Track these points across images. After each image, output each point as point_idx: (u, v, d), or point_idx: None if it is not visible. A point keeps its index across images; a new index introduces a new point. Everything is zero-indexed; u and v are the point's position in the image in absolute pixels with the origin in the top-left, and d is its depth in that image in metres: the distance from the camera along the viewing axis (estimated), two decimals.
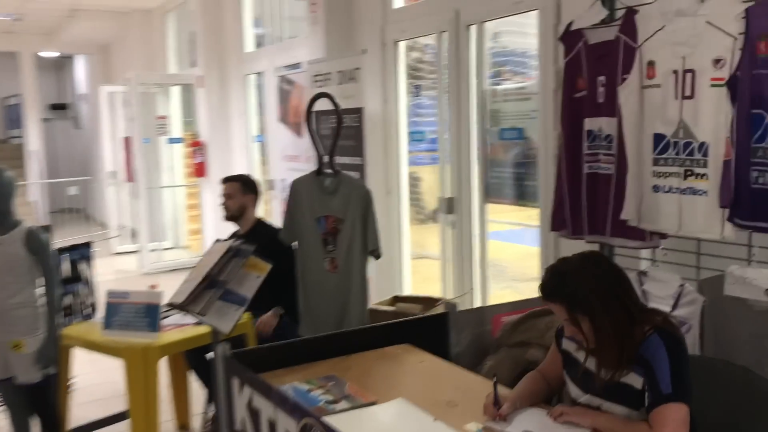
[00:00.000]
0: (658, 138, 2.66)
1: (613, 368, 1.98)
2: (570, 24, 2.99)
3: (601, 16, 2.87)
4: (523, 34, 4.10)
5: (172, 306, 2.78)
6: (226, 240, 2.89)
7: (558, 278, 2.02)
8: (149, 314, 3.23)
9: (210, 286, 2.73)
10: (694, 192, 2.58)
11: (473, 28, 4.36)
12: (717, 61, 2.47)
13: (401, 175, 5.15)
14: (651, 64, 2.67)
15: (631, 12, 2.74)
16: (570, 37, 3.00)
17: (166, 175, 9.49)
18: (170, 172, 9.53)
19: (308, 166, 5.43)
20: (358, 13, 5.35)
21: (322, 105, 4.97)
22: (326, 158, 3.27)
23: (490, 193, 4.36)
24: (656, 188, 2.69)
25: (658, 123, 2.66)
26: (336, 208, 3.13)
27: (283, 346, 2.74)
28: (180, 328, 3.38)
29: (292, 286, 3.44)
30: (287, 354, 2.68)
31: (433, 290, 5.32)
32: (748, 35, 2.38)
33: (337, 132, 3.19)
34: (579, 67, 2.96)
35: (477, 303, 4.41)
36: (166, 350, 3.25)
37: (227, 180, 4.09)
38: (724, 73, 2.45)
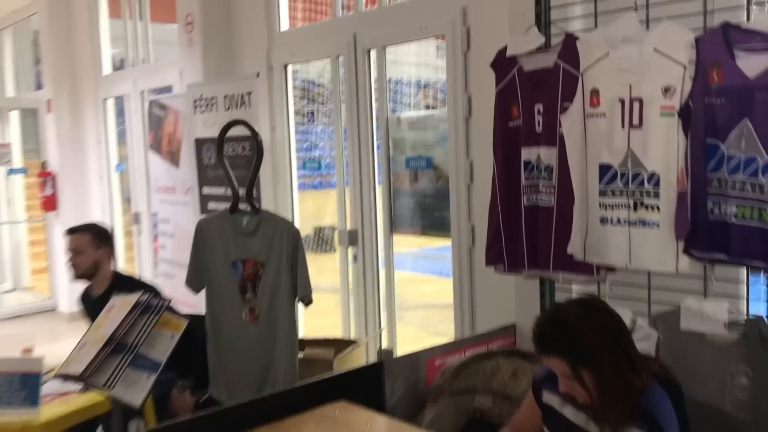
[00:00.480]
0: (605, 168, 2.56)
1: (617, 424, 1.80)
2: (502, 50, 2.85)
3: (537, 42, 2.74)
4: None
5: (66, 378, 2.29)
6: (129, 294, 2.45)
7: (559, 329, 1.81)
8: (27, 386, 2.68)
9: (115, 351, 2.28)
10: (645, 224, 2.49)
11: (373, 53, 4.15)
12: (666, 90, 2.40)
13: (293, 206, 4.82)
14: (595, 92, 2.57)
15: (571, 38, 2.64)
16: (502, 64, 2.85)
17: (4, 210, 8.48)
18: (9, 206, 8.53)
19: (188, 199, 4.97)
20: (240, 34, 5.00)
21: (210, 132, 4.57)
22: (242, 193, 2.89)
23: (396, 224, 4.14)
24: (604, 221, 2.58)
25: (604, 153, 2.56)
26: (256, 251, 2.76)
27: (206, 417, 2.33)
28: (62, 397, 2.85)
29: (188, 346, 2.96)
30: (212, 426, 2.28)
31: (327, 326, 5.02)
32: (700, 64, 2.33)
33: (257, 163, 2.84)
34: (513, 95, 2.82)
35: (386, 343, 4.16)
36: (50, 428, 2.71)
37: (73, 231, 3.43)
38: (675, 102, 2.39)
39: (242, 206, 2.90)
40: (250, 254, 2.76)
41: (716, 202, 2.33)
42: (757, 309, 2.46)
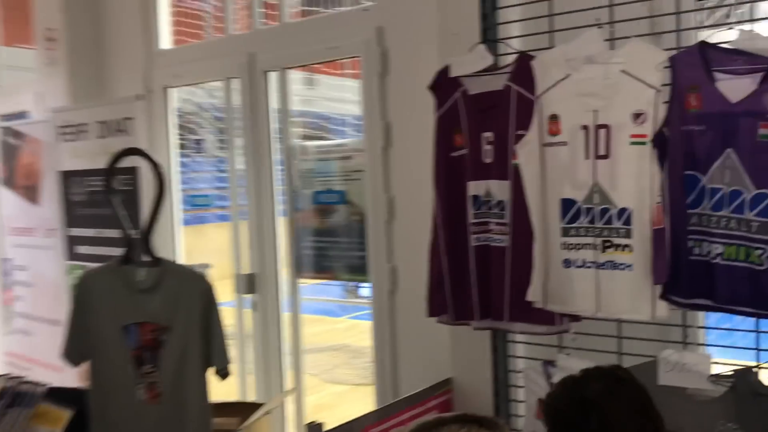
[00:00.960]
0: (567, 204, 2.27)
1: None
2: (443, 71, 2.51)
3: (484, 62, 2.43)
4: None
5: None
6: None
7: (586, 411, 1.46)
8: None
9: None
10: (615, 266, 2.21)
11: (273, 75, 3.71)
12: (637, 116, 2.15)
13: (174, 245, 4.24)
14: (554, 118, 2.28)
15: (525, 58, 2.34)
16: (443, 87, 2.51)
17: None
18: None
19: (50, 242, 4.27)
20: (113, 52, 4.39)
21: (79, 163, 3.92)
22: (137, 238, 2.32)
23: (303, 267, 3.69)
24: (567, 263, 2.28)
25: (566, 187, 2.27)
26: (156, 312, 2.20)
27: None
28: None
29: None
30: None
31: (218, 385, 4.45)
32: (676, 87, 2.10)
33: (158, 201, 2.29)
34: (456, 121, 2.48)
35: (293, 406, 3.67)
36: None
37: None
38: (646, 129, 2.14)
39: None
40: (148, 316, 2.21)
41: (698, 241, 2.09)
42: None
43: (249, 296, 3.83)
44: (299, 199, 3.66)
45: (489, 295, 2.44)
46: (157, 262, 2.26)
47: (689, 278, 2.08)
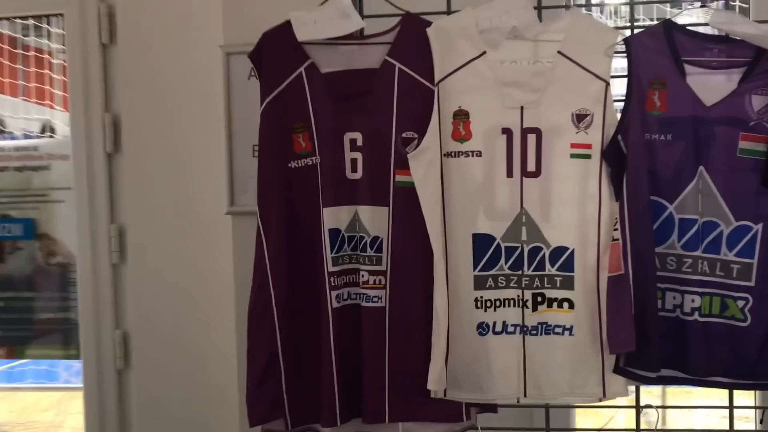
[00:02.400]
0: (482, 241, 1.55)
1: None
2: (279, 30, 1.58)
3: (349, 24, 1.57)
4: None
5: None
6: None
7: None
8: None
9: None
10: (549, 330, 1.55)
11: None
12: (580, 117, 1.53)
13: None
14: (462, 115, 1.54)
15: (415, 22, 1.56)
16: (277, 56, 1.58)
17: None
18: None
19: None
20: None
21: None
22: None
23: None
24: (483, 328, 1.56)
25: (480, 217, 1.55)
26: None
27: None
28: None
29: None
30: None
31: None
32: (634, 80, 1.53)
33: None
34: (297, 112, 1.58)
35: None
36: None
37: None
38: (593, 137, 1.53)
39: None
40: None
41: (670, 291, 1.55)
42: None
43: None
44: None
45: (358, 383, 1.58)
46: None
47: (658, 342, 1.52)
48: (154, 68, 2.16)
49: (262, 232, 1.59)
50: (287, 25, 1.58)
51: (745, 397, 1.91)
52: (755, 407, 1.83)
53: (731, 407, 1.64)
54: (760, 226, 1.51)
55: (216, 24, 1.94)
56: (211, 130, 2.07)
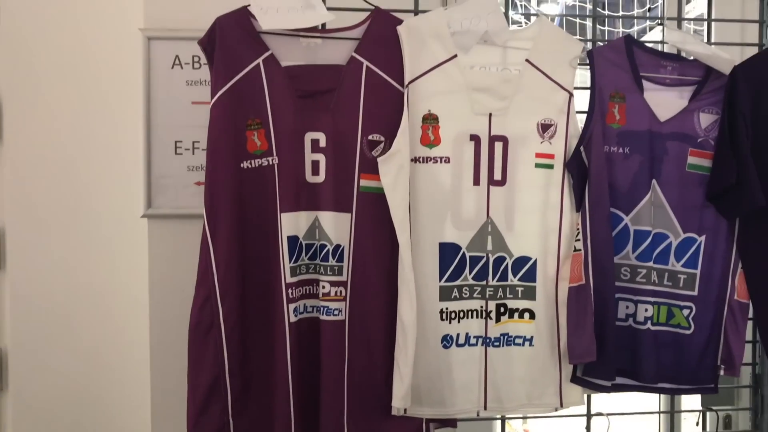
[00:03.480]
0: (449, 252, 1.49)
1: None
2: (235, 16, 1.42)
3: (313, 16, 1.44)
4: None
5: None
6: None
7: None
8: None
9: None
10: (510, 341, 1.53)
11: None
12: (545, 127, 1.52)
13: None
14: (431, 119, 1.48)
15: (383, 18, 1.47)
16: (231, 45, 1.42)
17: None
18: None
19: None
20: None
21: None
22: None
23: None
24: (447, 341, 1.50)
25: (447, 225, 1.49)
26: None
27: None
28: None
29: None
30: None
31: None
32: (596, 92, 1.54)
33: None
34: (253, 107, 1.43)
35: None
36: None
37: None
38: (555, 148, 1.53)
39: None
40: None
41: (628, 301, 1.58)
42: None
43: None
44: None
45: (315, 402, 1.46)
46: None
47: (613, 352, 1.54)
48: (47, 47, 1.89)
49: (209, 239, 1.42)
50: (244, 11, 1.43)
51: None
52: (698, 410, 1.91)
53: (672, 411, 1.70)
54: (703, 238, 1.58)
55: (132, 3, 1.72)
56: (120, 121, 1.85)
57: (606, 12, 2.96)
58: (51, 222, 1.92)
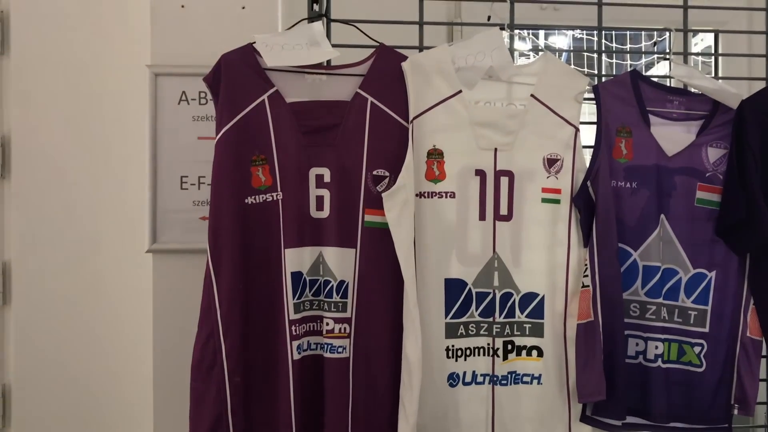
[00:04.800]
0: (454, 288, 1.48)
1: None
2: (241, 53, 1.43)
3: (318, 53, 1.44)
4: None
5: None
6: None
7: None
8: None
9: None
10: (517, 379, 1.51)
11: None
12: (551, 162, 1.51)
13: None
14: (436, 155, 1.47)
15: (387, 55, 1.47)
16: (238, 81, 1.43)
17: None
18: None
19: None
20: None
21: None
22: None
23: None
24: (453, 379, 1.48)
25: (452, 261, 1.47)
26: None
27: None
28: None
29: None
30: None
31: None
32: (603, 127, 1.53)
33: None
34: (258, 143, 1.43)
35: None
36: None
37: None
38: (562, 183, 1.52)
39: None
40: None
41: (637, 338, 1.55)
42: None
43: None
44: None
45: None
46: None
47: (624, 390, 1.51)
48: (56, 84, 1.90)
49: (212, 275, 1.42)
50: (249, 48, 1.44)
51: None
52: None
53: None
54: (713, 274, 1.56)
55: (140, 41, 1.73)
56: (127, 156, 1.85)
57: (614, 45, 2.96)
58: (56, 257, 1.92)
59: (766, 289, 1.54)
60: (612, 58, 3.25)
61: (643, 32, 2.48)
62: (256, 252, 1.42)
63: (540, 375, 1.51)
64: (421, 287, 1.45)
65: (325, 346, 1.45)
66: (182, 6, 1.68)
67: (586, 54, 3.18)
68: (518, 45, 1.70)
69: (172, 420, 1.61)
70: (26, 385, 1.94)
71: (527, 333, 1.50)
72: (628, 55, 3.06)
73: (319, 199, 1.44)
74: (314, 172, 1.44)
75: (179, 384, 1.47)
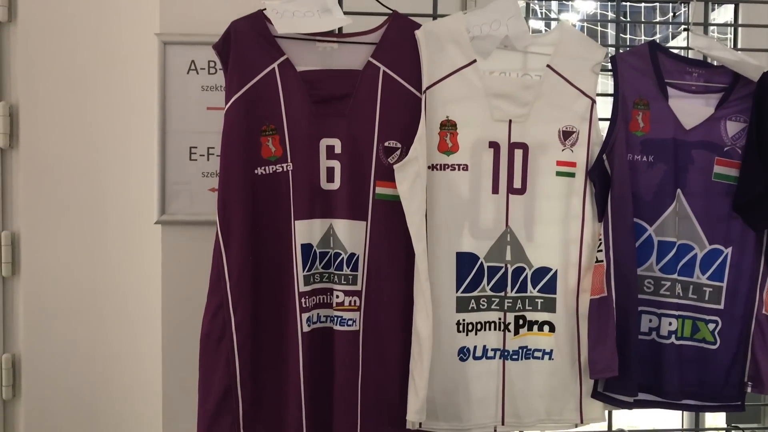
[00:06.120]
0: (465, 261, 1.46)
1: None
2: (250, 20, 1.40)
3: (329, 20, 1.41)
4: None
5: None
6: None
7: None
8: None
9: None
10: (529, 354, 1.49)
11: None
12: (566, 135, 1.48)
13: None
14: (449, 126, 1.44)
15: (401, 23, 1.44)
16: (247, 49, 1.40)
17: None
18: None
19: None
20: None
21: None
22: None
23: None
24: (463, 353, 1.46)
25: (464, 235, 1.45)
26: None
27: None
28: None
29: None
30: None
31: None
32: (620, 99, 1.50)
33: None
34: (268, 113, 1.41)
35: None
36: None
37: None
38: (577, 156, 1.49)
39: None
40: None
41: (651, 314, 1.53)
42: None
43: None
44: None
45: (327, 414, 1.43)
46: None
47: (636, 366, 1.49)
48: (63, 53, 1.88)
49: (222, 246, 1.40)
50: (259, 15, 1.41)
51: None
52: (723, 428, 1.85)
53: (697, 430, 1.65)
54: (729, 250, 1.53)
55: (149, 8, 1.70)
56: (135, 127, 1.83)
57: (627, 19, 2.91)
58: (65, 228, 1.91)
59: None
60: (626, 33, 3.20)
61: (658, 4, 2.43)
62: (266, 223, 1.41)
63: (551, 350, 1.49)
64: (432, 261, 1.43)
65: (335, 318, 1.43)
66: None
67: (599, 28, 3.14)
68: (531, 21, 1.66)
69: (180, 391, 1.61)
70: (35, 356, 1.94)
71: (539, 308, 1.49)
72: (642, 29, 3.01)
73: (330, 171, 1.42)
74: (325, 142, 1.42)
75: (188, 355, 1.46)
